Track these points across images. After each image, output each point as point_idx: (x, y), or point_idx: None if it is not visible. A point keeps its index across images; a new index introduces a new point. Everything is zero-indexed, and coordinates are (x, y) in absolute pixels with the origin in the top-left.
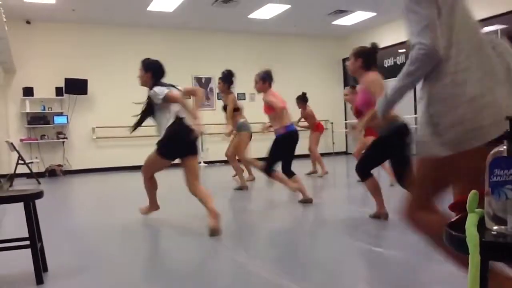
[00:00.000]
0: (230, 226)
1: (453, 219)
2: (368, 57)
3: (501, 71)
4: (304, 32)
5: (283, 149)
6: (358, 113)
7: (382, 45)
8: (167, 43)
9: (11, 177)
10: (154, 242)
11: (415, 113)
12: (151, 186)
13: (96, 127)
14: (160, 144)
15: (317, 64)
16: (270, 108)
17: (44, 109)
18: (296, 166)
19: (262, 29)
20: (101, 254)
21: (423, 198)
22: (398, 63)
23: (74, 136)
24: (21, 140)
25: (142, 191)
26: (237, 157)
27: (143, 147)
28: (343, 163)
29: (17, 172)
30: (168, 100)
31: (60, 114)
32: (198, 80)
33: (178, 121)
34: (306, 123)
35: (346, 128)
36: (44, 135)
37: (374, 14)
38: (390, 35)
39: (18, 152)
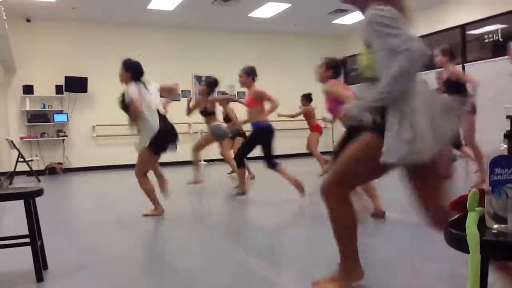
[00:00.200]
0: (230, 224)
1: (453, 218)
2: (338, 69)
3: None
4: (304, 31)
5: (259, 142)
6: (332, 112)
7: None
8: (167, 42)
9: (11, 175)
10: (153, 240)
11: None
12: (148, 187)
13: (96, 125)
14: (154, 141)
15: (317, 63)
16: (256, 101)
17: (44, 107)
18: (296, 165)
19: (262, 28)
20: (101, 252)
21: (348, 177)
22: None
23: (74, 134)
24: (21, 138)
25: (142, 190)
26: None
27: None
28: None
29: (17, 170)
30: (130, 104)
31: (60, 112)
32: (198, 78)
33: (163, 118)
34: (289, 113)
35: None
36: (44, 133)
37: None
38: None
39: (18, 150)
